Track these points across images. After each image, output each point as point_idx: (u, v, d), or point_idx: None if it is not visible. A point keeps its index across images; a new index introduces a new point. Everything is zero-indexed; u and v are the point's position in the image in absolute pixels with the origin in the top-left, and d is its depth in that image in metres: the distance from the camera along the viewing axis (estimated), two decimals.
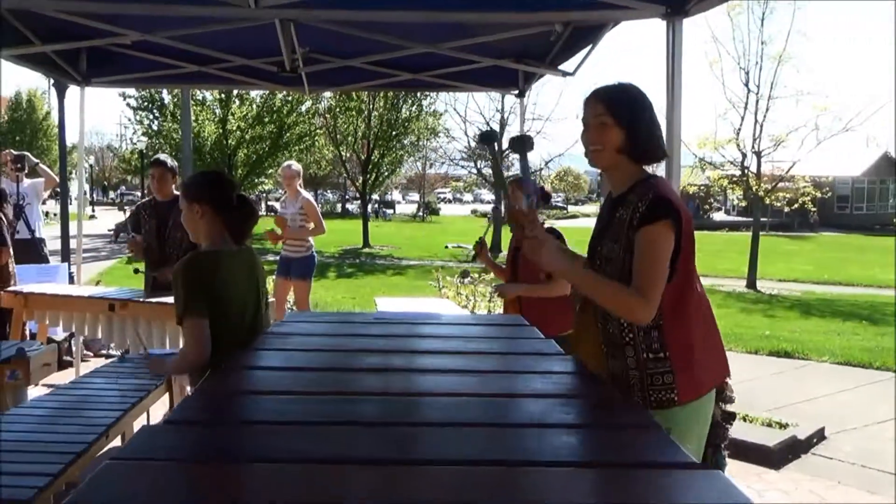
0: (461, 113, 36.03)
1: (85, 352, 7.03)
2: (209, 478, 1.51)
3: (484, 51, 5.62)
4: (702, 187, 29.30)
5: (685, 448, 1.73)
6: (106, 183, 53.85)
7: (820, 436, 5.52)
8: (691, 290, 2.31)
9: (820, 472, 4.88)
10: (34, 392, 4.10)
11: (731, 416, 2.50)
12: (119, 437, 3.19)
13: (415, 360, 2.60)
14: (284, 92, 24.15)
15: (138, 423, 3.52)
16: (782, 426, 5.51)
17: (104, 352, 7.40)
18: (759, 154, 18.68)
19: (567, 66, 5.54)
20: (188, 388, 3.19)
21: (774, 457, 4.99)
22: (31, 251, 6.98)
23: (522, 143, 2.65)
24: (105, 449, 2.92)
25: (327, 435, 1.76)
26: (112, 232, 27.22)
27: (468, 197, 63.07)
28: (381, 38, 5.18)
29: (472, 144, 29.47)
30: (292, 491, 1.42)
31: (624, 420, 1.99)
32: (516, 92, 6.60)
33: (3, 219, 5.69)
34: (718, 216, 45.13)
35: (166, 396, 3.86)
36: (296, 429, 1.80)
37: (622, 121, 2.30)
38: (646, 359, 2.28)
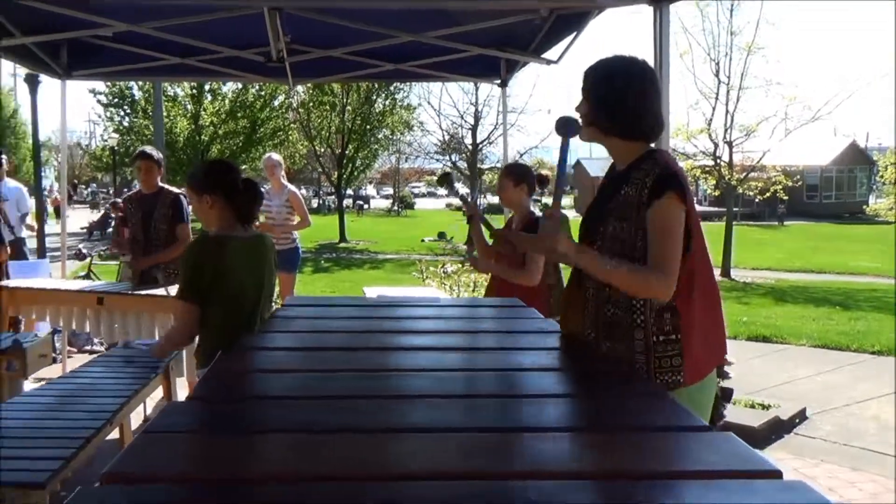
0: (435, 106, 35.93)
1: (69, 348, 6.98)
2: (231, 447, 1.55)
3: (467, 39, 5.62)
4: (686, 175, 29.52)
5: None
6: (76, 181, 53.12)
7: (802, 416, 5.64)
8: (702, 268, 2.28)
9: (803, 451, 4.99)
10: (25, 387, 4.08)
11: (728, 394, 2.53)
12: (118, 427, 3.20)
13: (417, 339, 2.63)
14: (258, 86, 24.06)
15: (136, 414, 3.54)
16: (765, 407, 5.62)
17: (88, 347, 7.36)
18: (730, 144, 18.89)
19: (551, 54, 5.58)
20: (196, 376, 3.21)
21: (759, 436, 5.08)
22: (14, 251, 6.93)
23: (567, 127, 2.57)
24: (107, 437, 2.93)
25: (337, 408, 1.81)
26: (85, 230, 27.01)
27: (443, 191, 62.95)
28: (363, 26, 5.19)
29: (447, 138, 29.47)
30: (306, 457, 1.47)
31: (629, 389, 2.04)
32: (498, 81, 6.64)
33: (1, 218, 5.67)
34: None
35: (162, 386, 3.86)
36: (306, 403, 1.86)
37: (590, 95, 2.32)
38: (655, 342, 2.23)
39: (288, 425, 1.67)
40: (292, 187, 7.17)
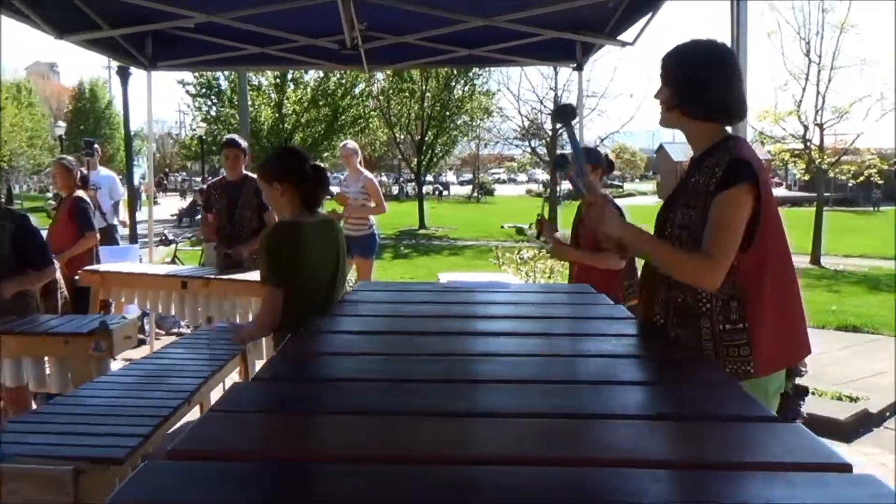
0: (514, 92, 35.73)
1: (157, 330, 7.26)
2: (294, 427, 1.58)
3: (541, 23, 5.57)
4: (762, 162, 28.66)
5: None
6: (167, 169, 55.01)
7: (892, 410, 5.41)
8: (775, 260, 2.22)
9: (893, 446, 4.78)
10: (113, 366, 4.26)
11: (803, 392, 2.46)
12: (198, 406, 3.30)
13: (484, 324, 2.64)
14: (339, 74, 24.39)
15: (216, 392, 3.65)
16: (853, 400, 5.42)
17: (175, 330, 7.63)
18: (821, 126, 18.20)
19: (626, 35, 5.48)
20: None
21: (846, 430, 4.91)
22: (106, 237, 7.22)
23: (565, 114, 2.66)
24: (187, 416, 3.03)
25: (405, 391, 1.82)
26: (175, 216, 28.01)
27: (522, 177, 62.65)
28: (435, 12, 5.19)
29: (526, 123, 29.24)
30: (369, 438, 1.49)
31: (699, 377, 1.99)
32: (574, 65, 6.54)
33: (91, 205, 5.93)
34: (780, 192, 43.97)
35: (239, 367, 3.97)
36: (371, 385, 1.87)
37: (668, 79, 2.30)
38: (721, 330, 2.21)
39: (353, 407, 1.68)
40: (368, 174, 7.25)
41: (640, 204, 34.30)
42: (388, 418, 1.60)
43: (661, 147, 52.18)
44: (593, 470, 1.34)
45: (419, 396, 1.77)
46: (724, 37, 3.40)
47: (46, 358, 3.65)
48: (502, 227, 25.10)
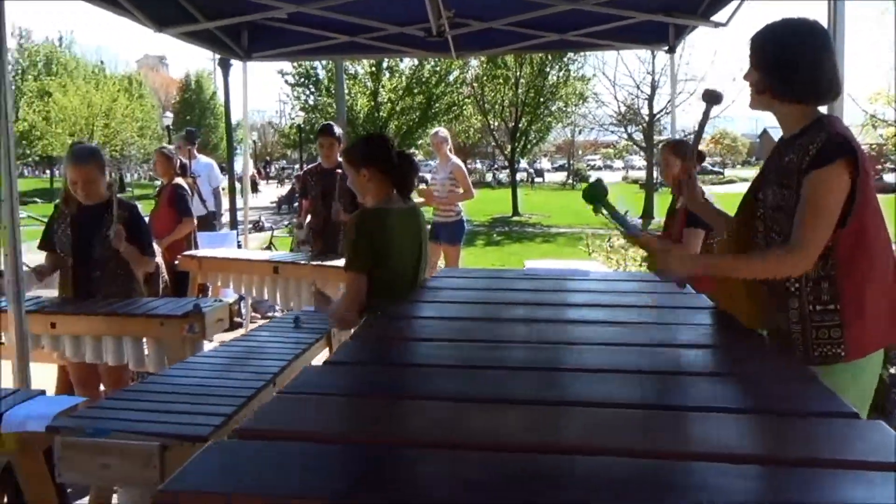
0: (610, 77, 35.06)
1: (253, 314, 7.50)
2: (366, 410, 1.60)
3: (630, 5, 5.47)
4: (874, 146, 27.21)
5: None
6: (268, 158, 56.57)
7: None
8: (871, 238, 2.16)
9: None
10: (206, 347, 4.42)
11: None
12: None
13: (562, 312, 2.62)
14: (433, 62, 24.50)
15: None
16: None
17: (270, 314, 7.86)
18: None
19: (719, 16, 5.31)
20: None
21: None
22: (205, 224, 7.49)
23: (713, 97, 2.61)
24: (271, 396, 3.12)
25: (480, 377, 1.82)
26: (275, 203, 28.83)
27: (619, 164, 61.49)
28: None
29: (623, 109, 28.67)
30: (445, 424, 1.49)
31: (778, 371, 1.93)
32: (666, 48, 6.37)
33: (189, 191, 6.18)
34: (892, 178, 41.65)
35: (326, 350, 4.05)
36: (447, 371, 1.87)
37: (757, 61, 2.26)
38: (811, 311, 2.17)
39: (428, 392, 1.71)
40: (457, 160, 7.28)
41: (742, 192, 33.04)
42: (459, 405, 1.60)
43: (764, 132, 50.34)
44: (674, 463, 1.32)
45: (496, 384, 1.77)
46: (822, 14, 3.26)
47: (145, 339, 3.82)
48: (596, 214, 24.68)
